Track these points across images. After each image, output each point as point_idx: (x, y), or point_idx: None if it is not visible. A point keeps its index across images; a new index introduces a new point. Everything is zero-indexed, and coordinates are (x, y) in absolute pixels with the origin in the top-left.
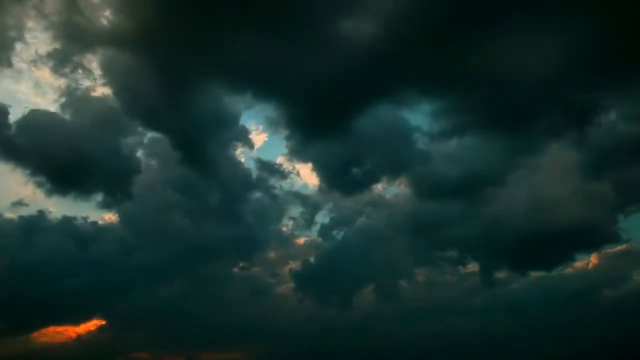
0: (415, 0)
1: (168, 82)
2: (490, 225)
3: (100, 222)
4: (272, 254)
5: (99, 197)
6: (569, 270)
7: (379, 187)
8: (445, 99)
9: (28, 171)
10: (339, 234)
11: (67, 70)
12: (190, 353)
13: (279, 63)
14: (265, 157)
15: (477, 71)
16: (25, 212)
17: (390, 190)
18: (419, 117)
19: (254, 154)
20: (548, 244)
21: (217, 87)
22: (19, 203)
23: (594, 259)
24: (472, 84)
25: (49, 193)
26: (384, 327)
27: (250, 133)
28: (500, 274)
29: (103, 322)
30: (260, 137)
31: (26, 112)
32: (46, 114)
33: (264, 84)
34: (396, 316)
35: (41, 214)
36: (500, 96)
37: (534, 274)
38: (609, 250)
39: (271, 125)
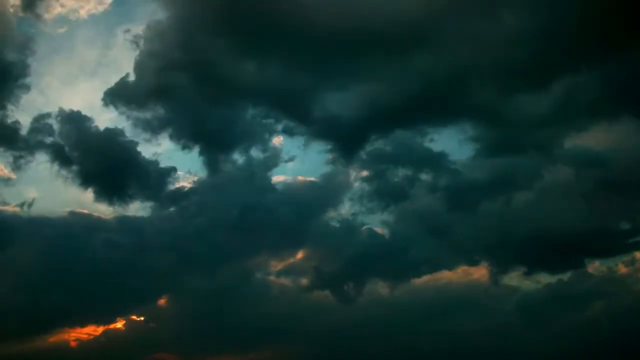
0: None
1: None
2: (504, 229)
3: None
4: (310, 255)
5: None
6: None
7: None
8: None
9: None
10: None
11: None
12: (212, 355)
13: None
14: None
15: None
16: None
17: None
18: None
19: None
20: (560, 247)
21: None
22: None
23: (608, 263)
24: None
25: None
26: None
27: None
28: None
29: (125, 322)
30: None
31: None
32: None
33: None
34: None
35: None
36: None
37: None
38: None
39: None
